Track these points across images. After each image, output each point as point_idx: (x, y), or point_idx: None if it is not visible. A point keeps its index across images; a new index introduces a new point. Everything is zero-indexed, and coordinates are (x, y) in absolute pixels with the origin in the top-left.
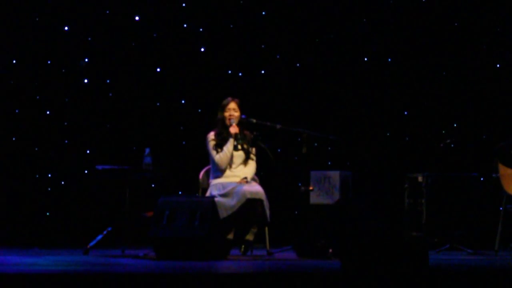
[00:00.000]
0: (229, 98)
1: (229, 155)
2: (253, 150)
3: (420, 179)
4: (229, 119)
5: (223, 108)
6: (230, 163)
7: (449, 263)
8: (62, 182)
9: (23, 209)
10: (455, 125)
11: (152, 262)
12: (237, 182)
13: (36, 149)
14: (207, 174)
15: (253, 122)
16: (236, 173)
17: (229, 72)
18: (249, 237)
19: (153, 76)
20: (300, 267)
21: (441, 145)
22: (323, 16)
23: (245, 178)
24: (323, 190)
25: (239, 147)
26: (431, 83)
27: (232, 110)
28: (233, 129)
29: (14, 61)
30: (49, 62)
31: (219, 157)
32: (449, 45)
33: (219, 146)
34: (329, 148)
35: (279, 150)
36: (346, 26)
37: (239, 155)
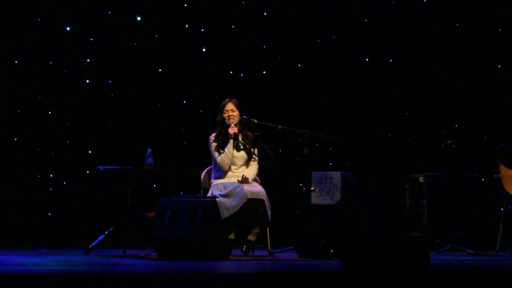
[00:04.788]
0: (227, 99)
1: (230, 156)
2: (255, 151)
3: (421, 179)
4: (228, 119)
5: (222, 109)
6: (232, 163)
7: (450, 264)
8: (64, 182)
9: (24, 209)
10: (456, 125)
11: (153, 262)
12: (237, 181)
13: (38, 149)
14: (208, 174)
15: (254, 122)
16: (238, 174)
17: (231, 72)
18: (251, 237)
19: (155, 77)
20: (301, 268)
21: (442, 145)
22: (324, 17)
23: (246, 178)
24: (324, 190)
25: (241, 147)
26: (432, 84)
27: (230, 111)
28: (232, 130)
29: (16, 62)
30: (50, 62)
31: (221, 158)
32: (450, 46)
33: (221, 147)
34: (331, 149)
35: (280, 151)
36: (347, 27)
37: (241, 155)
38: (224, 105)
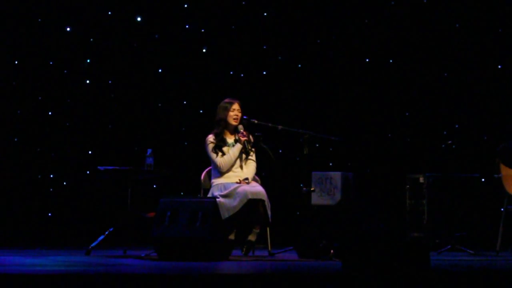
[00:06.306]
0: (231, 99)
1: (233, 159)
2: (253, 149)
3: (421, 179)
4: (235, 120)
5: (227, 108)
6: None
7: (450, 264)
8: (64, 183)
9: (25, 210)
10: (456, 125)
11: (153, 263)
12: (238, 183)
13: (38, 149)
14: (208, 174)
15: (254, 123)
16: (237, 174)
17: (231, 73)
18: (251, 237)
19: (155, 77)
20: (301, 268)
21: (443, 145)
22: (324, 17)
23: (246, 179)
24: (324, 191)
25: (242, 149)
26: (432, 84)
27: (237, 111)
28: (244, 137)
29: (16, 62)
30: (51, 63)
31: (223, 160)
32: (450, 46)
33: (218, 147)
34: (331, 149)
35: (280, 151)
36: (347, 27)
37: (241, 156)
38: (231, 105)
